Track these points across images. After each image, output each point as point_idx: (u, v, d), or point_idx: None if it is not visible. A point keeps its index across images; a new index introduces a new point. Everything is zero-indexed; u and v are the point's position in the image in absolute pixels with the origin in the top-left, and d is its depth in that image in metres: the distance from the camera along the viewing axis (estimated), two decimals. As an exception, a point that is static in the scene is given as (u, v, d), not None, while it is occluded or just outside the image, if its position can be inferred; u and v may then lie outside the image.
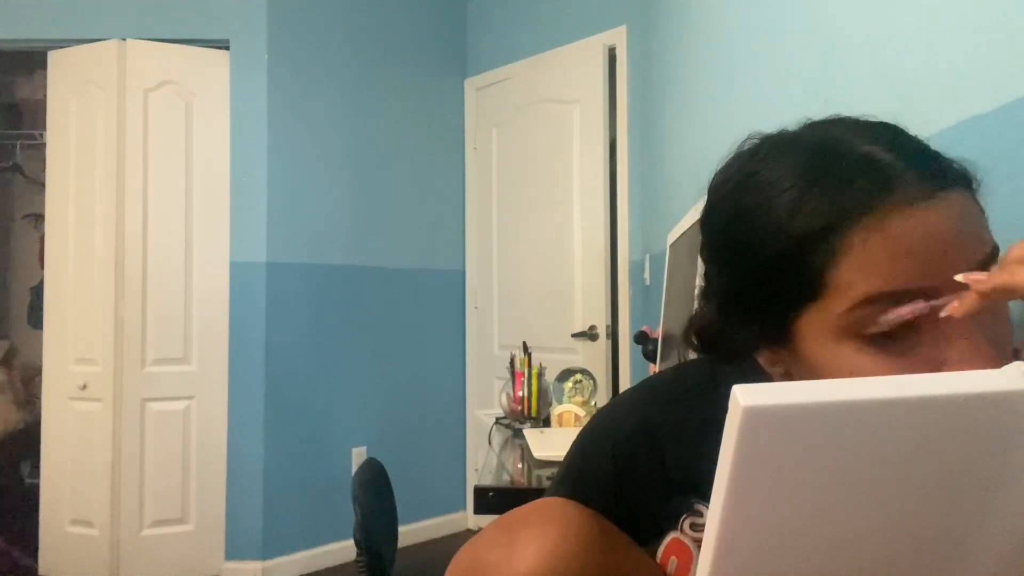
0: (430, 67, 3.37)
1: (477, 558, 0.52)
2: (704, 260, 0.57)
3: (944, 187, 0.44)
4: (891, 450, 0.32)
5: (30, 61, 3.23)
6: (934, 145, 0.49)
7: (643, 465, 0.58)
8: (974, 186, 0.47)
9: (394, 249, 3.18)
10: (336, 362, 2.96)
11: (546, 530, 0.51)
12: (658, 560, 0.58)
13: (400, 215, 3.21)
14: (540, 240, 3.09)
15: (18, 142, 3.74)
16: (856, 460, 0.32)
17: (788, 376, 0.52)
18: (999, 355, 0.43)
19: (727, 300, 0.54)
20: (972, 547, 0.35)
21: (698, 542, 0.55)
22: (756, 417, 0.30)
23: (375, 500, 1.38)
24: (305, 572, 2.80)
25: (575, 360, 2.81)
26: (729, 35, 1.55)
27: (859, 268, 0.43)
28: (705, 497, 0.50)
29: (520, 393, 2.65)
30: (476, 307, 3.41)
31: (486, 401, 3.28)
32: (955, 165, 0.47)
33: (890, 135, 0.49)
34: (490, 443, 2.78)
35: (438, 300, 3.35)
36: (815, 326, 0.46)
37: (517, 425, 2.60)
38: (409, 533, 3.03)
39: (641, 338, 2.08)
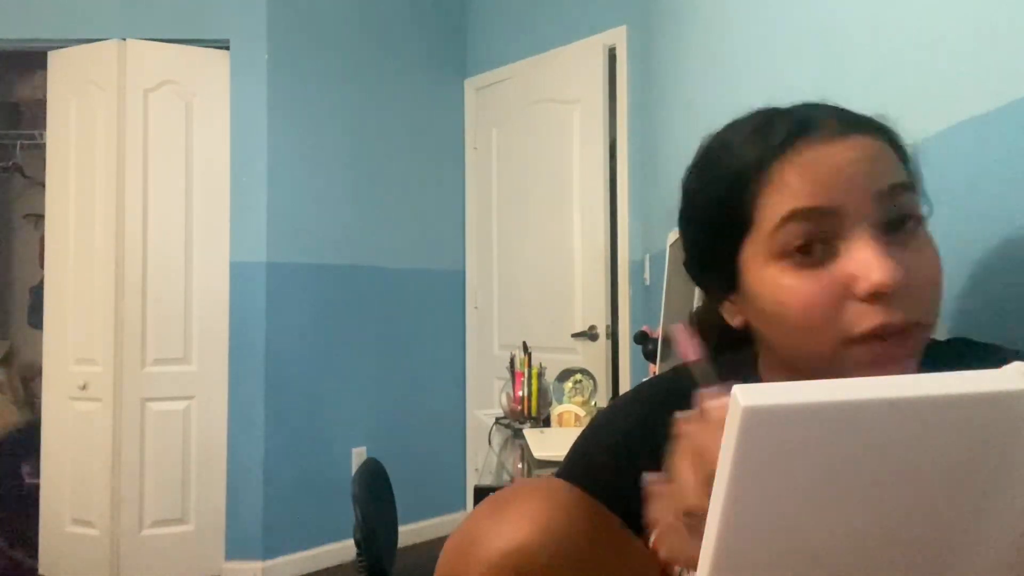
0: (430, 67, 3.37)
1: (471, 530, 0.54)
2: (680, 233, 0.63)
3: (856, 131, 0.52)
4: (891, 450, 0.32)
5: (30, 61, 3.22)
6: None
7: (640, 461, 0.60)
8: (893, 138, 0.54)
9: (394, 249, 3.18)
10: (336, 362, 2.96)
11: (538, 504, 0.53)
12: (651, 546, 0.59)
13: (400, 215, 3.21)
14: (540, 240, 3.09)
15: (18, 142, 3.73)
16: (856, 460, 0.32)
17: (746, 325, 0.58)
18: (915, 276, 0.49)
19: (691, 256, 0.61)
20: (972, 547, 0.35)
21: None
22: (756, 417, 0.30)
23: (375, 500, 1.38)
24: (305, 572, 2.80)
25: (575, 360, 2.81)
26: (729, 35, 1.55)
27: (780, 193, 0.51)
28: None
29: (520, 393, 2.66)
30: (476, 307, 3.41)
31: (486, 401, 3.28)
32: (876, 121, 0.54)
33: (823, 104, 0.56)
34: (490, 443, 2.78)
35: (438, 300, 3.35)
36: (752, 255, 0.53)
37: (517, 425, 2.61)
38: (409, 533, 3.03)
39: (641, 338, 2.08)
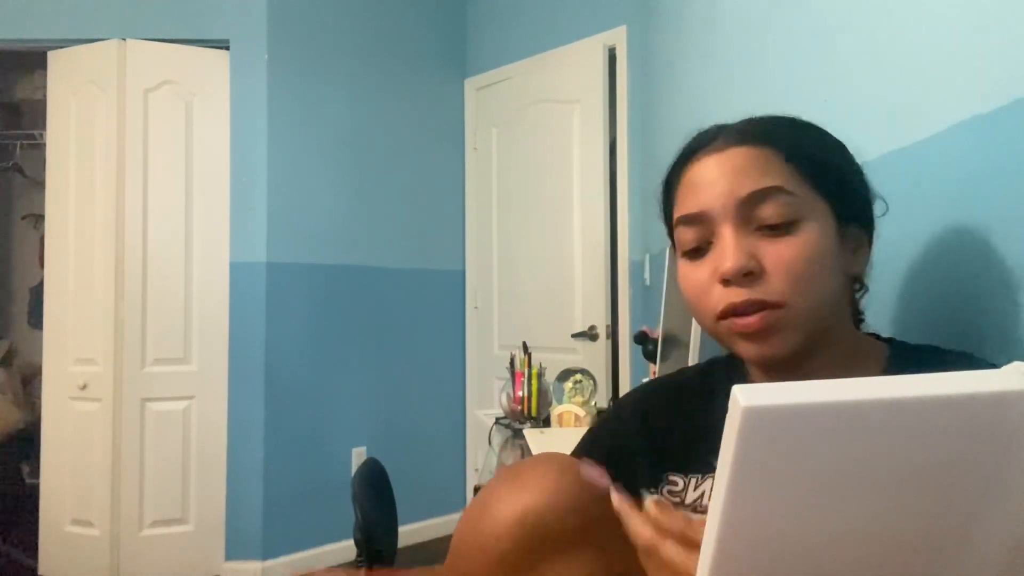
0: (430, 67, 3.37)
1: (486, 497, 0.60)
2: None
3: (736, 144, 0.61)
4: (890, 450, 0.32)
5: (30, 61, 3.22)
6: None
7: (635, 438, 0.73)
8: (789, 147, 0.61)
9: (394, 249, 3.18)
10: (336, 362, 2.96)
11: (550, 474, 0.59)
12: None
13: (400, 215, 3.21)
14: (540, 240, 3.09)
15: (18, 142, 3.74)
16: (855, 460, 0.32)
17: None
18: (770, 264, 0.58)
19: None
20: (971, 547, 0.35)
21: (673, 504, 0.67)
22: (756, 417, 0.30)
23: (375, 500, 1.38)
24: (305, 572, 2.79)
25: (575, 360, 2.81)
26: (729, 35, 1.55)
27: (676, 204, 0.65)
28: (679, 469, 0.70)
29: (520, 393, 2.65)
30: (476, 307, 3.41)
31: (486, 401, 3.28)
32: (768, 134, 0.62)
33: (750, 119, 0.65)
34: (490, 443, 2.78)
35: (438, 300, 3.35)
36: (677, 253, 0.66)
37: (517, 425, 2.61)
38: (409, 533, 3.02)
39: (641, 338, 2.08)
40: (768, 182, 0.59)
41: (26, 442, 3.42)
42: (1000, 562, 0.36)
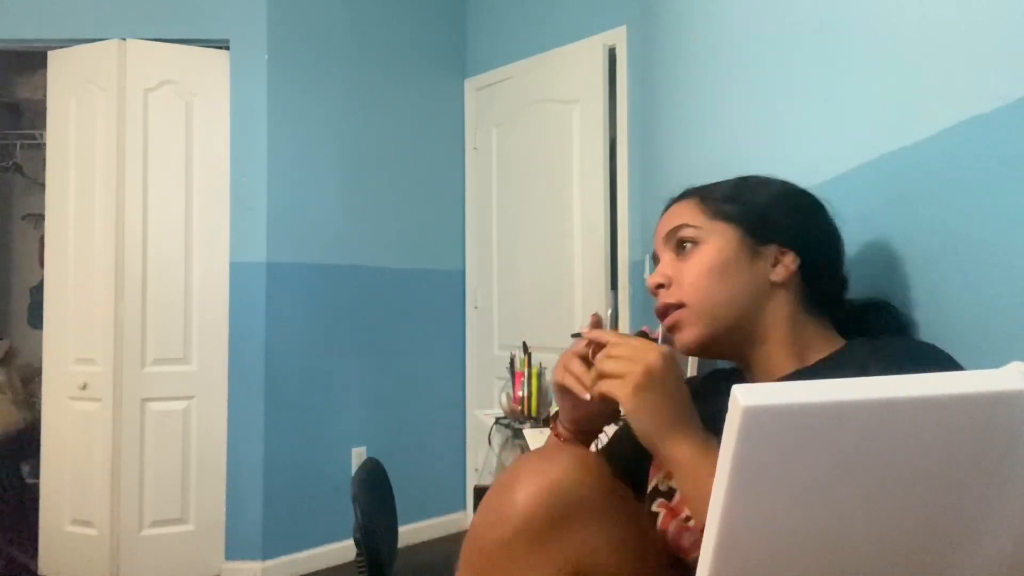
0: (430, 67, 3.37)
1: (515, 469, 0.69)
2: None
3: (679, 200, 0.85)
4: (890, 449, 0.32)
5: (30, 61, 3.22)
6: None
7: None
8: (696, 195, 0.83)
9: (394, 249, 3.18)
10: (336, 362, 2.96)
11: (577, 453, 0.71)
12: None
13: (400, 215, 3.21)
14: (540, 240, 3.09)
15: (18, 142, 3.74)
16: (855, 459, 0.32)
17: None
18: (680, 277, 0.79)
19: None
20: (971, 546, 0.35)
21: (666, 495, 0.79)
22: (756, 417, 0.30)
23: (375, 500, 1.38)
24: (305, 572, 2.80)
25: (575, 360, 2.81)
26: (729, 35, 1.55)
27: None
28: None
29: (520, 393, 2.66)
30: (476, 307, 3.41)
31: (486, 401, 3.28)
32: (697, 190, 0.84)
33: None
34: (490, 443, 2.78)
35: (438, 300, 3.35)
36: None
37: (517, 425, 2.61)
38: (409, 533, 3.02)
39: (641, 338, 2.08)
40: (677, 221, 0.81)
41: (26, 442, 3.41)
42: (1001, 562, 0.36)
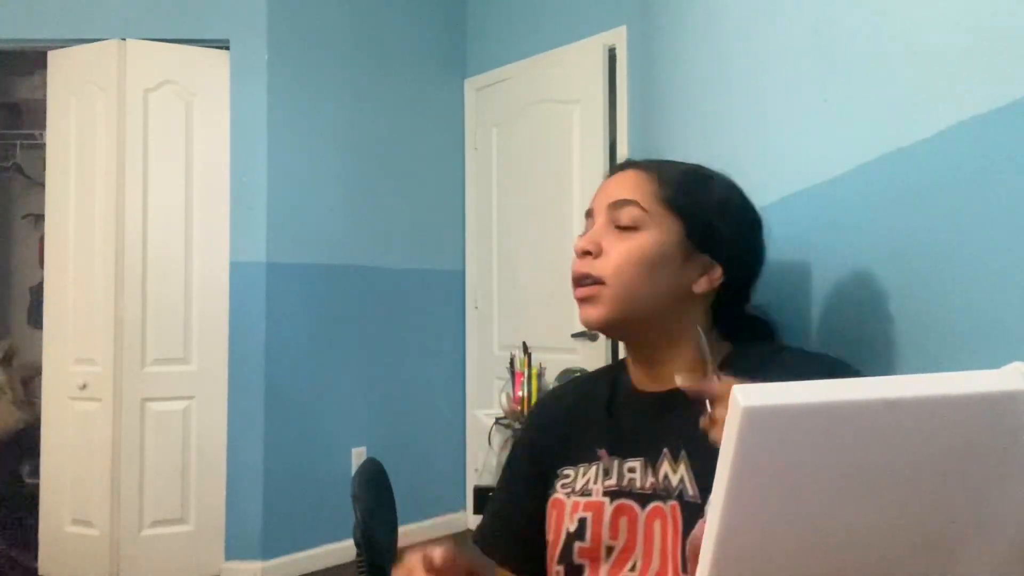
0: (430, 67, 3.37)
1: None
2: None
3: (629, 168, 0.83)
4: (890, 449, 0.32)
5: (30, 61, 3.22)
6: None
7: (535, 448, 0.87)
8: (656, 173, 0.80)
9: (394, 249, 3.18)
10: (336, 362, 2.96)
11: None
12: (547, 515, 0.80)
13: (400, 215, 3.21)
14: (540, 240, 3.09)
15: (18, 142, 3.73)
16: (855, 459, 0.32)
17: None
18: (608, 250, 0.77)
19: None
20: (972, 546, 0.35)
21: (567, 494, 0.78)
22: (756, 417, 0.30)
23: (375, 500, 1.38)
24: (305, 572, 2.80)
25: (575, 360, 2.81)
26: (729, 35, 1.55)
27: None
28: (569, 462, 0.81)
29: (520, 393, 2.65)
30: (476, 307, 3.41)
31: (486, 401, 3.28)
32: (651, 163, 0.83)
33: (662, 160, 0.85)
34: (490, 443, 2.78)
35: (438, 300, 3.35)
36: None
37: (517, 425, 2.60)
38: (409, 533, 3.02)
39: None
40: (627, 195, 0.78)
41: (26, 442, 3.41)
42: (1001, 562, 0.36)
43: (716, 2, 1.65)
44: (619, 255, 0.76)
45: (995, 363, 0.36)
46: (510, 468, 0.90)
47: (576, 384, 0.93)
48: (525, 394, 2.63)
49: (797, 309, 1.02)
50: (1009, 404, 0.32)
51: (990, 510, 0.34)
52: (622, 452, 0.77)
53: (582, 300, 0.77)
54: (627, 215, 0.77)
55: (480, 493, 2.00)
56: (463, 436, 3.40)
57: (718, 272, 0.78)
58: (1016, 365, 0.33)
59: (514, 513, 0.86)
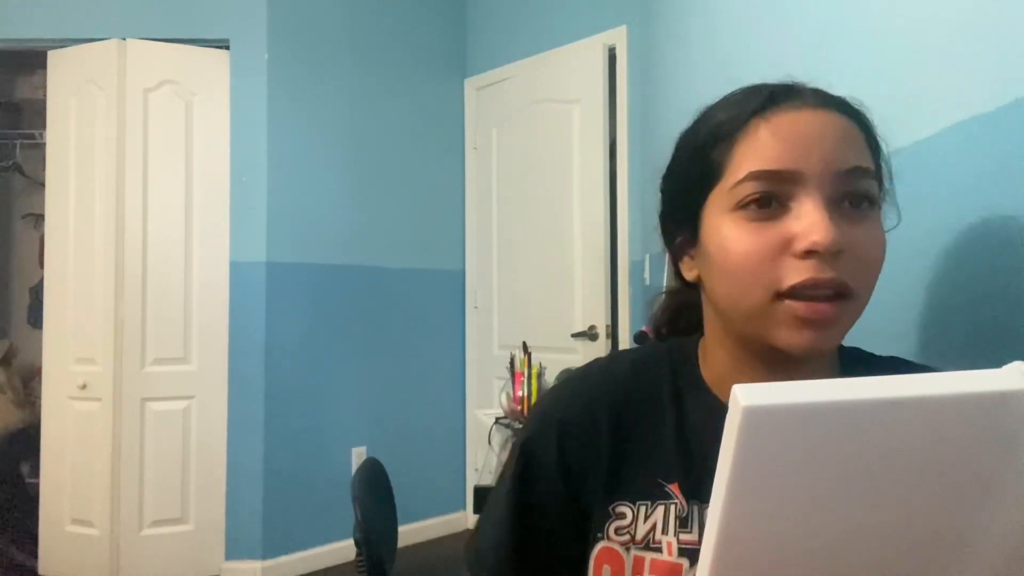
0: (430, 67, 3.37)
1: None
2: (661, 189, 0.66)
3: (830, 107, 0.54)
4: (891, 450, 0.32)
5: (30, 61, 3.22)
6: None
7: (583, 451, 0.61)
8: (866, 125, 0.56)
9: (394, 249, 3.18)
10: (336, 362, 2.96)
11: None
12: (590, 571, 0.59)
13: (400, 215, 3.21)
14: (540, 240, 3.09)
15: (18, 142, 3.73)
16: (856, 460, 0.32)
17: (699, 279, 0.60)
18: (856, 249, 0.51)
19: (664, 210, 0.64)
20: (972, 546, 0.35)
21: (624, 545, 0.57)
22: (756, 417, 0.30)
23: (375, 500, 1.38)
24: (305, 572, 2.80)
25: (575, 360, 2.81)
26: (728, 35, 1.55)
27: (748, 151, 0.53)
28: (625, 496, 0.58)
29: (520, 393, 2.66)
30: (476, 307, 3.41)
31: (486, 401, 3.28)
32: (853, 105, 0.56)
33: (808, 84, 0.59)
34: (490, 443, 2.78)
35: (438, 300, 3.35)
36: (714, 206, 0.55)
37: (517, 425, 2.60)
38: (409, 533, 3.02)
39: (641, 338, 2.08)
40: (866, 163, 0.53)
41: (26, 442, 3.41)
42: (1000, 562, 0.36)
43: (716, 2, 1.65)
44: (866, 252, 0.52)
45: (993, 363, 0.36)
46: (532, 505, 0.62)
47: (613, 381, 0.67)
48: (525, 394, 2.63)
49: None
50: (1009, 404, 0.32)
51: (991, 510, 0.34)
52: (701, 493, 0.55)
53: (821, 322, 0.51)
54: (866, 193, 0.53)
55: (480, 493, 2.00)
56: (463, 436, 3.40)
57: None
58: (1016, 365, 0.33)
59: (555, 564, 0.61)
